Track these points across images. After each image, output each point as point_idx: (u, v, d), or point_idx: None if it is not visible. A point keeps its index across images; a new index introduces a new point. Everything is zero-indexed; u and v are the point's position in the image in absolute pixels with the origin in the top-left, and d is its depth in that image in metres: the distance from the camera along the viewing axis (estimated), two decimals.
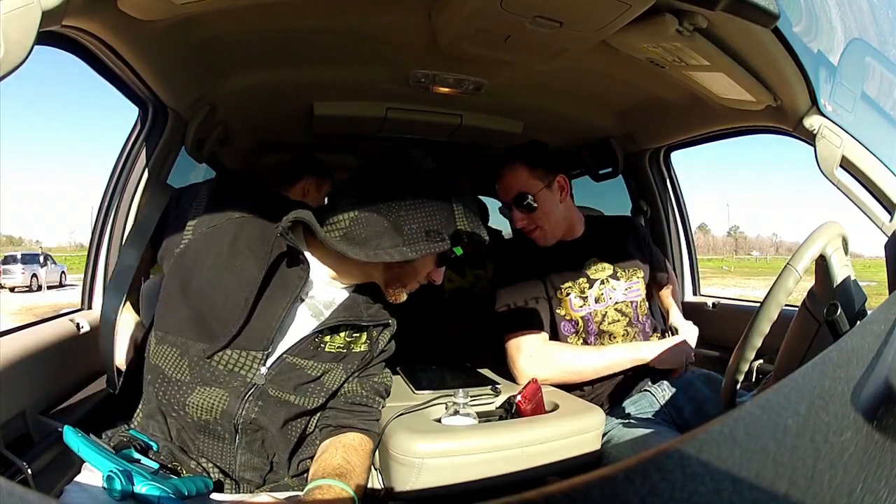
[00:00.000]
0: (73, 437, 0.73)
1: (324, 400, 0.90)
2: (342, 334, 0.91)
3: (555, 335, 1.33)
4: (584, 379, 1.21)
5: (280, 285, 0.85)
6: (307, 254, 0.88)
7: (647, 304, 1.43)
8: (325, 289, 0.92)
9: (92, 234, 1.43)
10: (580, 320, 1.32)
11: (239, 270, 0.83)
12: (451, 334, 2.03)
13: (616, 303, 1.35)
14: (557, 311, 1.33)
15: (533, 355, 1.25)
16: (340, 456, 0.85)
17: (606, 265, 1.38)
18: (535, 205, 1.33)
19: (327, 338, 0.90)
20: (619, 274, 1.37)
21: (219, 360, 0.81)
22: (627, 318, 1.36)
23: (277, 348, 0.85)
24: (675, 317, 1.49)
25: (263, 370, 0.83)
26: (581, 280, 1.34)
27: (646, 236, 1.55)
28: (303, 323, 0.88)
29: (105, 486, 0.67)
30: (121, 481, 0.66)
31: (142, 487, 0.67)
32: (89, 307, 1.40)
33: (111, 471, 0.67)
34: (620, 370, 1.27)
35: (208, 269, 0.83)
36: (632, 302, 1.38)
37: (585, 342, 1.33)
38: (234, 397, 0.81)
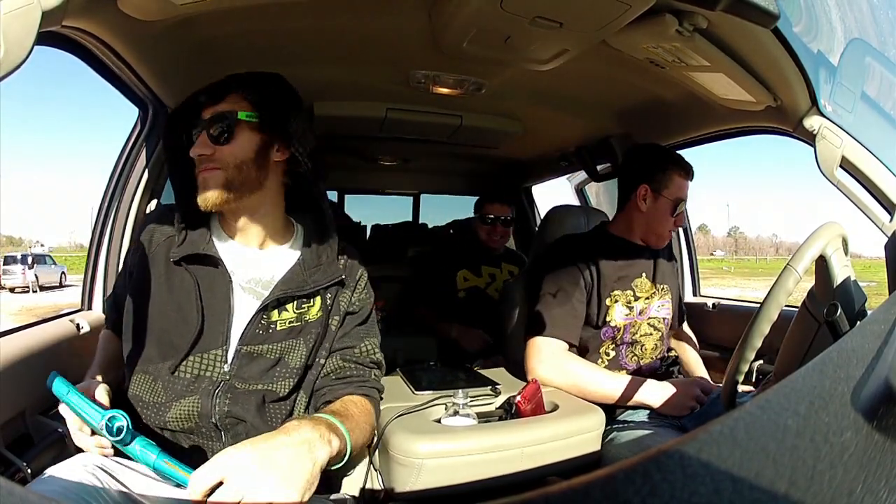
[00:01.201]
0: (61, 385, 0.69)
1: (294, 382, 0.88)
2: (290, 307, 0.89)
3: (591, 336, 1.34)
4: (586, 397, 1.21)
5: (212, 280, 0.88)
6: (215, 238, 0.91)
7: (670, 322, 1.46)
8: (257, 264, 0.91)
9: (92, 235, 1.43)
10: (621, 328, 1.34)
11: (179, 283, 0.87)
12: (458, 336, 2.04)
13: (650, 318, 1.38)
14: (600, 314, 1.34)
15: (545, 360, 1.26)
16: (339, 403, 0.86)
17: (649, 283, 1.40)
18: None
19: (274, 316, 0.88)
20: (657, 291, 1.41)
21: (184, 369, 0.85)
22: (660, 333, 1.40)
23: (232, 342, 0.86)
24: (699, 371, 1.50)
25: (226, 367, 0.85)
26: (629, 292, 1.36)
27: (677, 271, 1.59)
28: (247, 309, 0.88)
29: (106, 427, 0.66)
30: (126, 421, 0.66)
31: (136, 446, 0.67)
32: (89, 307, 1.40)
33: (113, 413, 0.66)
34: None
35: (156, 295, 0.87)
36: (664, 319, 1.41)
37: (617, 348, 1.36)
38: (205, 398, 0.83)
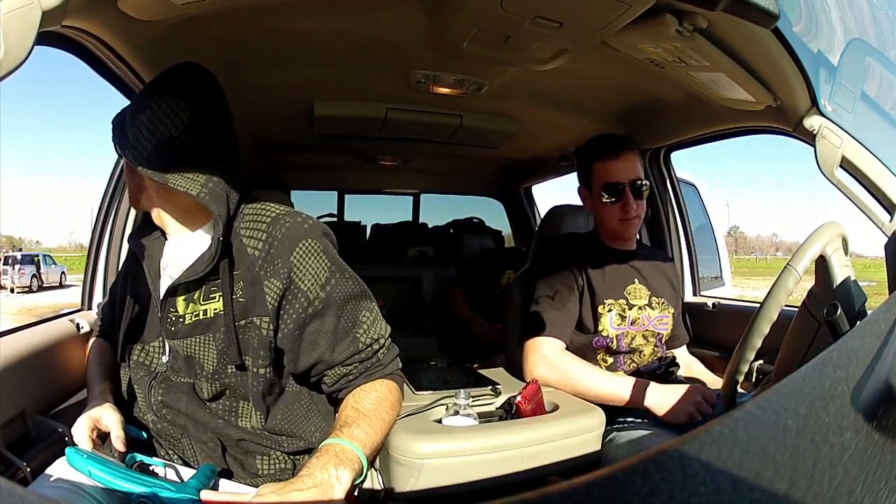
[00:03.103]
0: (79, 460, 0.71)
1: (216, 388, 0.82)
2: (197, 297, 0.82)
3: (584, 343, 1.33)
4: (585, 398, 1.19)
5: (138, 272, 0.90)
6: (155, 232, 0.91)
7: (668, 337, 1.43)
8: (181, 251, 0.86)
9: (92, 235, 1.43)
10: (614, 338, 1.32)
11: (142, 281, 0.89)
12: (479, 330, 2.05)
13: (646, 330, 1.36)
14: (592, 321, 1.33)
15: (544, 360, 1.25)
16: (350, 404, 0.82)
17: (645, 291, 1.38)
18: (646, 195, 1.35)
19: (181, 307, 0.83)
20: (654, 303, 1.38)
21: (131, 358, 0.88)
22: (653, 345, 1.38)
23: (164, 334, 0.86)
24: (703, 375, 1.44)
25: (164, 358, 0.86)
26: (621, 301, 1.34)
27: (680, 286, 1.55)
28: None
29: None
30: (151, 501, 0.68)
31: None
32: (89, 307, 1.40)
33: (141, 498, 0.68)
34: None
35: (130, 296, 0.91)
36: (659, 334, 1.38)
37: (615, 356, 1.34)
38: (143, 387, 0.86)
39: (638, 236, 1.59)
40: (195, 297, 0.83)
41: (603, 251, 1.38)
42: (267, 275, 0.80)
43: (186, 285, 0.82)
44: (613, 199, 1.33)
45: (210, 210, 0.80)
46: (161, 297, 0.84)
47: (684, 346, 1.52)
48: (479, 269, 2.30)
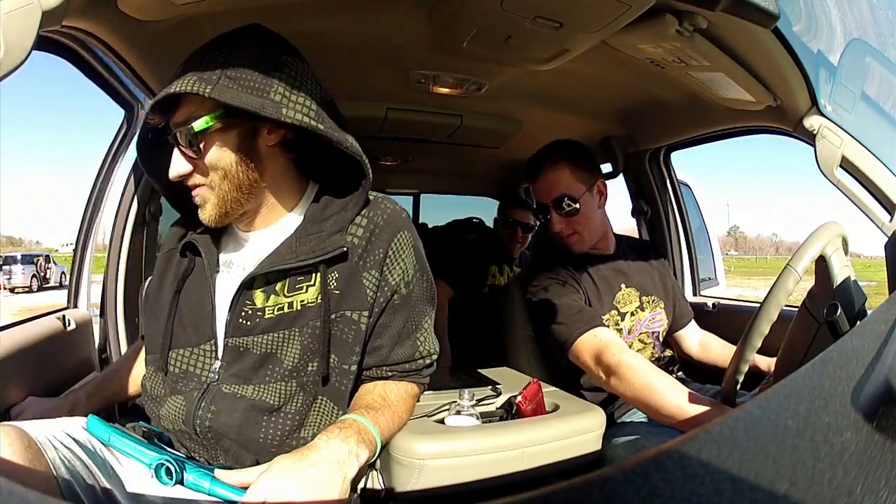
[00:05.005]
0: (100, 427, 0.69)
1: (289, 388, 0.75)
2: (280, 288, 0.75)
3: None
4: (657, 412, 1.01)
5: (195, 268, 0.82)
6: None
7: (665, 331, 1.39)
8: (251, 243, 0.81)
9: (78, 235, 1.43)
10: None
11: (175, 272, 0.83)
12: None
13: (640, 333, 1.34)
14: None
15: (616, 359, 1.08)
16: (378, 391, 0.80)
17: (634, 294, 1.33)
18: (578, 208, 1.26)
19: (260, 300, 0.75)
20: (644, 304, 1.35)
21: (172, 363, 0.79)
22: (652, 344, 1.36)
23: (220, 334, 0.77)
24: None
25: (217, 364, 0.77)
26: (613, 312, 1.30)
27: (668, 270, 1.49)
28: (230, 294, 0.77)
29: (156, 475, 0.65)
30: (173, 470, 0.65)
31: (190, 475, 0.66)
32: (75, 305, 1.41)
33: (164, 459, 0.65)
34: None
35: (167, 290, 0.83)
36: (654, 332, 1.35)
37: None
38: (189, 402, 0.76)
39: (638, 235, 1.58)
40: (277, 288, 0.75)
41: (585, 260, 1.32)
42: (366, 266, 0.77)
43: (266, 276, 0.75)
44: (543, 220, 1.31)
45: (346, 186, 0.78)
46: (235, 290, 0.76)
47: (693, 322, 1.45)
48: (466, 265, 2.19)
